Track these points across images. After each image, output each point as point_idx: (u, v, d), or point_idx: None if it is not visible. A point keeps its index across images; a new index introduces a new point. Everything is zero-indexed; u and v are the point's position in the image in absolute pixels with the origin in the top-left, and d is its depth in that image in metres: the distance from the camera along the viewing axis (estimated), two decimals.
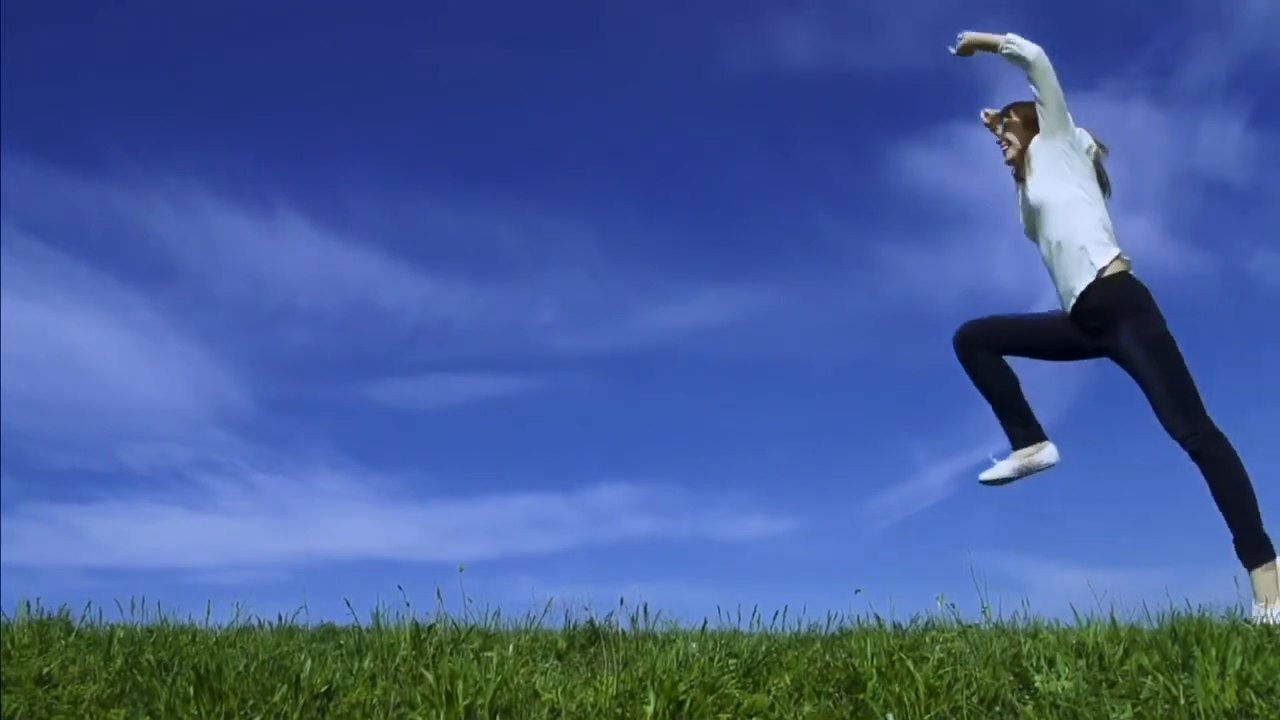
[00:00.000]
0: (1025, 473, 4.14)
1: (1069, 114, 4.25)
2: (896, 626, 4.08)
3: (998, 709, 2.81)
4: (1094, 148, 4.41)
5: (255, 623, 4.82)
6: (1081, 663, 3.07)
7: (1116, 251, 4.17)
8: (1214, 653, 2.88)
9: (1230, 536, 3.94)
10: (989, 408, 4.34)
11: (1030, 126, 4.44)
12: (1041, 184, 4.30)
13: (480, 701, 2.83)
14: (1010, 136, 4.57)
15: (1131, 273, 4.22)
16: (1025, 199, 4.44)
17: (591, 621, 4.20)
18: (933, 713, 2.73)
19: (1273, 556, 3.86)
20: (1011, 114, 4.57)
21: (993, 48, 4.22)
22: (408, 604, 4.23)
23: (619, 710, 2.82)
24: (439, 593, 4.29)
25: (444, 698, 2.84)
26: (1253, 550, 3.88)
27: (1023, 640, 3.46)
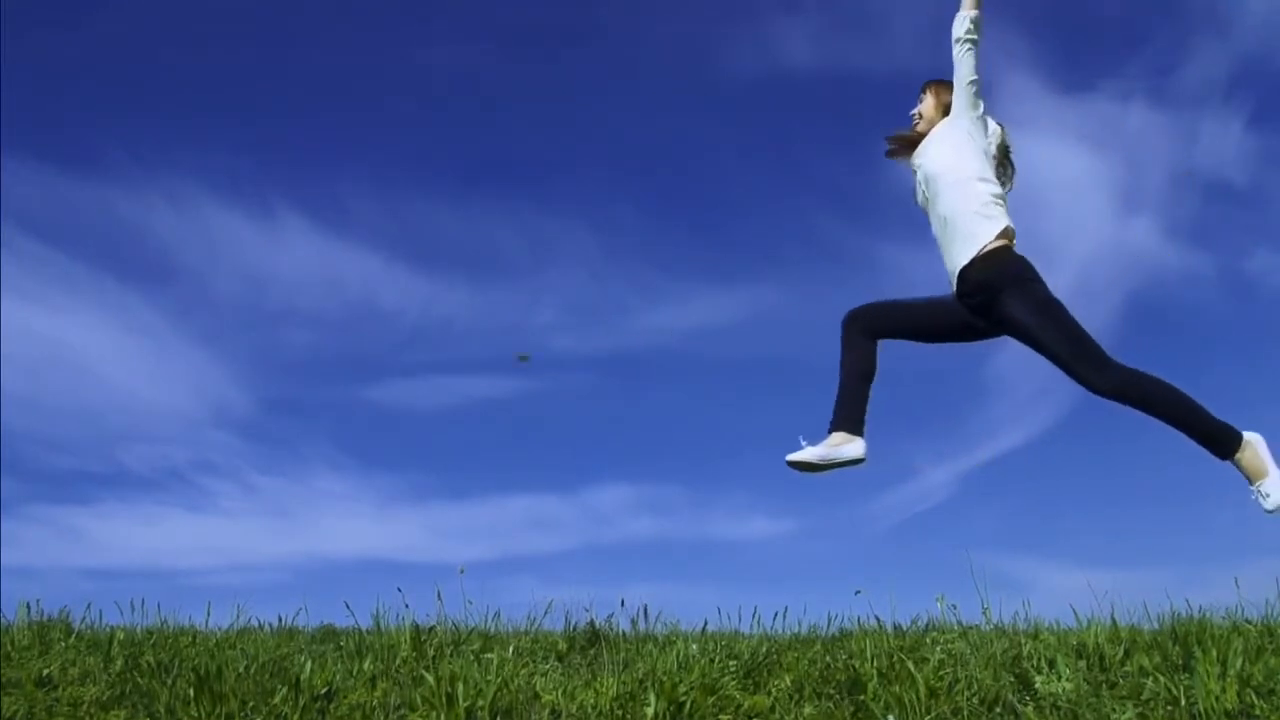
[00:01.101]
0: (830, 462, 4.09)
1: (981, 100, 4.28)
2: (897, 627, 4.08)
3: (998, 710, 2.81)
4: (999, 132, 4.44)
5: (255, 624, 4.81)
6: (1082, 664, 3.07)
7: (1005, 223, 4.17)
8: (1214, 653, 2.88)
9: (1194, 442, 3.93)
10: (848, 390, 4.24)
11: (943, 104, 4.47)
12: (940, 158, 4.31)
13: (481, 703, 2.82)
14: (923, 111, 4.61)
15: (1013, 246, 4.22)
16: (922, 175, 4.45)
17: (592, 623, 4.19)
18: (933, 714, 2.73)
19: (1241, 437, 3.90)
20: (928, 91, 4.60)
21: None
22: (407, 605, 4.22)
23: (620, 712, 2.82)
24: (439, 594, 4.28)
25: (444, 699, 2.84)
26: (1221, 443, 3.91)
27: (1023, 641, 3.46)
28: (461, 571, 4.34)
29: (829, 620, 4.34)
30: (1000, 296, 4.07)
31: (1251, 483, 3.84)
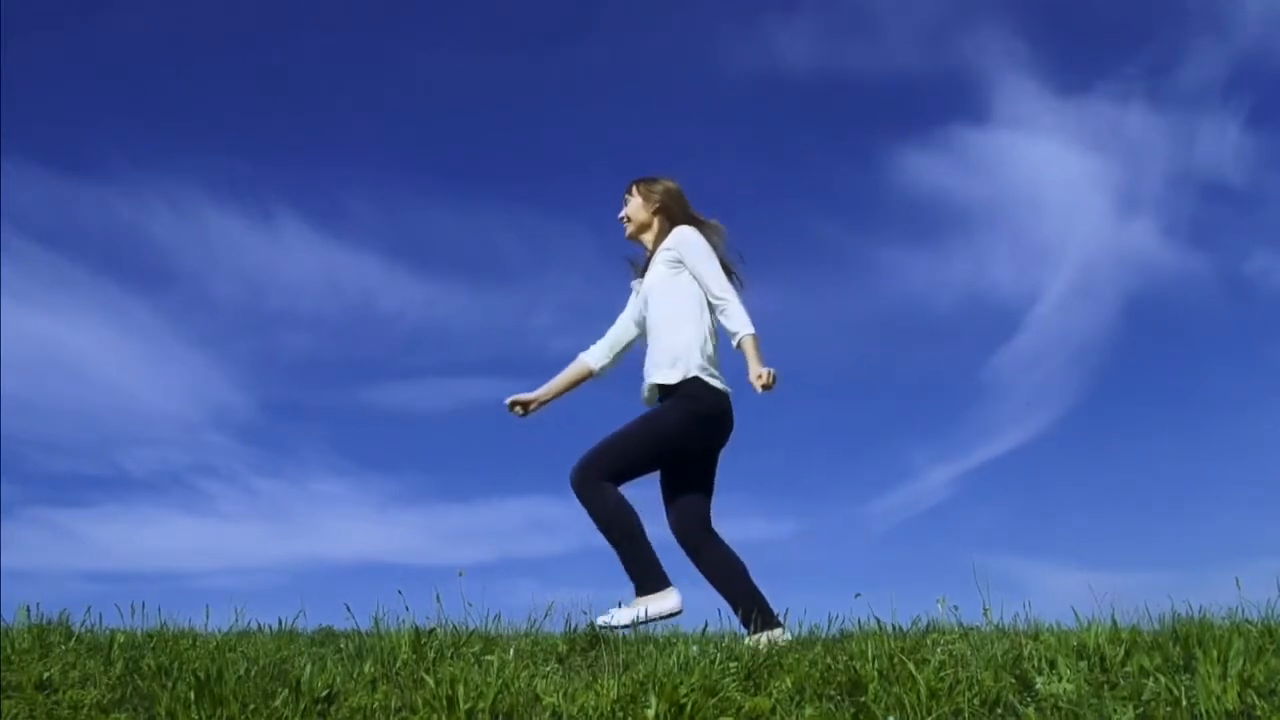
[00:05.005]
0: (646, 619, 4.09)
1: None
2: (897, 629, 4.08)
3: (999, 711, 2.81)
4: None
5: (255, 627, 4.81)
6: (1083, 664, 3.07)
7: (696, 367, 4.21)
8: (1215, 654, 2.88)
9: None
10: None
11: (653, 206, 4.40)
12: (657, 284, 4.30)
13: (481, 705, 2.82)
14: (630, 214, 4.47)
15: (709, 382, 4.23)
16: (643, 291, 4.40)
17: (592, 624, 4.19)
18: (934, 715, 2.73)
19: (668, 581, 4.16)
20: (634, 193, 4.46)
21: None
22: (407, 608, 4.22)
23: (621, 714, 2.81)
24: (439, 596, 4.28)
25: (445, 702, 2.84)
26: (654, 579, 4.16)
27: (1024, 642, 3.46)
28: (461, 574, 4.35)
29: (829, 622, 4.35)
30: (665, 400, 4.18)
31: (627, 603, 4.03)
